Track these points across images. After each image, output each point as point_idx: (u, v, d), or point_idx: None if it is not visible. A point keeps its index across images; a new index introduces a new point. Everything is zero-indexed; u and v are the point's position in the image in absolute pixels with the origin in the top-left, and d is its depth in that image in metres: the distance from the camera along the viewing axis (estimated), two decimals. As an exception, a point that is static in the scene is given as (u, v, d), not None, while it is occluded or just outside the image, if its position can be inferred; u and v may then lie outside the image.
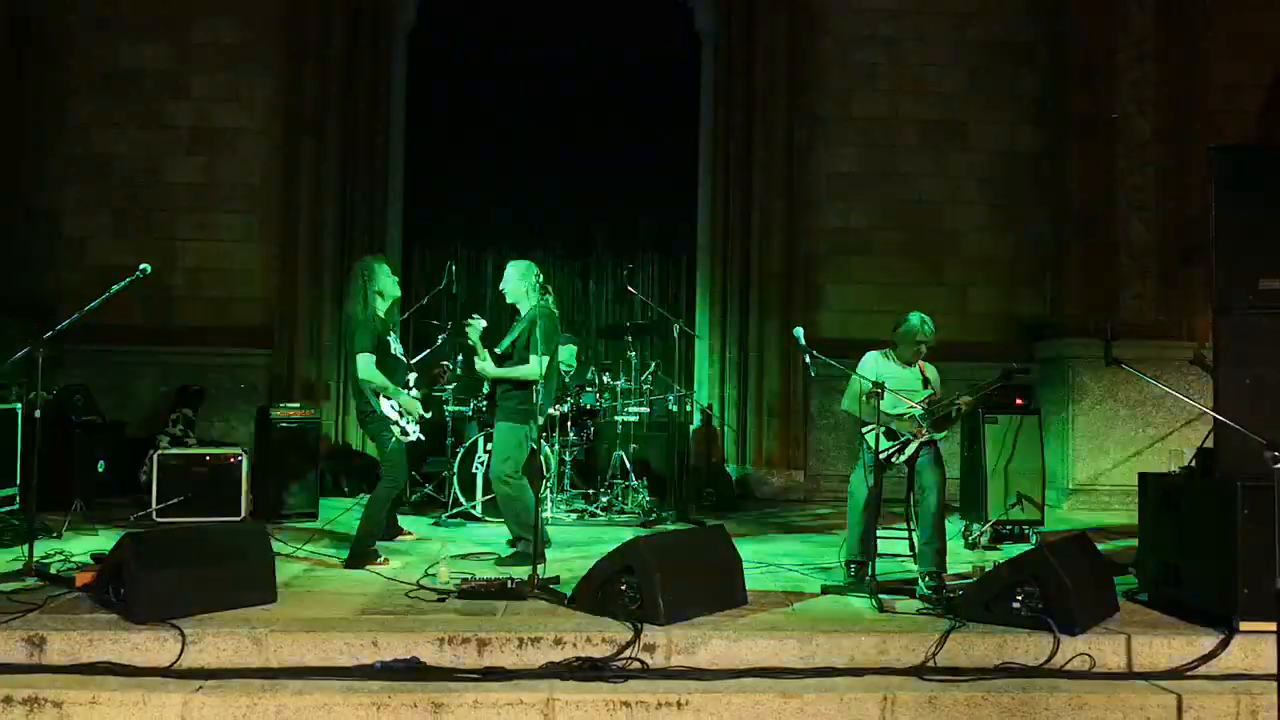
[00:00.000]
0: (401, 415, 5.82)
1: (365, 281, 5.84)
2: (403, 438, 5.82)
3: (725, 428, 9.33)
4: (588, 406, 7.78)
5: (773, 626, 4.59)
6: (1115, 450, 8.52)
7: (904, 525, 5.98)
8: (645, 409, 8.17)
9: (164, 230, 9.06)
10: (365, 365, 5.70)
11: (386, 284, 5.93)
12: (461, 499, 7.32)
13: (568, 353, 7.85)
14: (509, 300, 6.11)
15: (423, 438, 6.06)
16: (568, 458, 7.81)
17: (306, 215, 9.09)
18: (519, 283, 6.01)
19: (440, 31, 9.63)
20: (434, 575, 5.26)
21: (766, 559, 6.03)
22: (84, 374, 8.43)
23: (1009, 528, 6.82)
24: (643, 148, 9.62)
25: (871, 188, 9.41)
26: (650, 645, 4.35)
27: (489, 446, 6.90)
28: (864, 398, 5.33)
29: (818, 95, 9.38)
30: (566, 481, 7.84)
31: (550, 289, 6.12)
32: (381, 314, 5.87)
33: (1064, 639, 4.43)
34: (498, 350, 6.01)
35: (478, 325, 5.90)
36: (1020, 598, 4.59)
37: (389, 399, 5.78)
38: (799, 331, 5.60)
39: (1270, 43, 9.08)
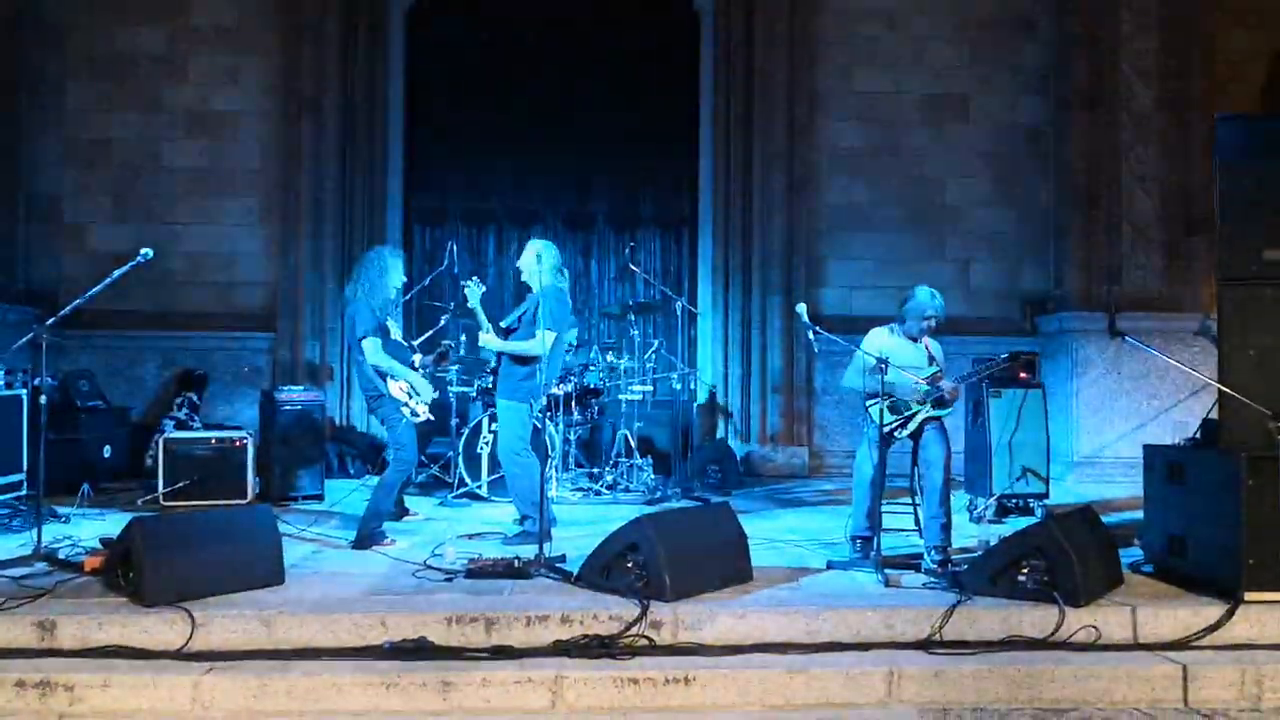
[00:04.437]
0: (411, 396, 5.82)
1: (379, 270, 5.83)
2: (413, 418, 5.83)
3: (729, 405, 9.34)
4: (591, 385, 7.78)
5: (779, 602, 4.61)
6: (1120, 423, 8.52)
7: (909, 500, 5.98)
8: (649, 387, 8.16)
9: (164, 215, 9.05)
10: (372, 349, 5.70)
11: (395, 279, 5.94)
12: (467, 479, 7.33)
13: (569, 334, 7.84)
14: (523, 278, 6.09)
15: (432, 418, 6.07)
16: (572, 437, 7.83)
17: (306, 197, 9.07)
18: (534, 261, 5.97)
19: (438, 10, 9.57)
20: (441, 555, 5.28)
21: (772, 535, 6.05)
22: (88, 360, 8.46)
23: (1014, 501, 6.84)
24: (644, 124, 9.57)
25: (873, 162, 9.37)
26: (657, 622, 4.37)
27: (494, 427, 6.92)
28: (867, 373, 5.33)
29: (818, 70, 9.33)
30: (571, 460, 7.86)
31: (567, 272, 6.11)
32: (382, 302, 5.87)
33: (1069, 611, 4.45)
34: (503, 324, 6.01)
35: (477, 289, 5.90)
36: (1025, 571, 4.61)
37: (397, 380, 5.78)
38: (801, 308, 5.60)
39: (1273, 11, 9.01)
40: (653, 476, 7.79)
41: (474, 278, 6.01)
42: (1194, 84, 8.73)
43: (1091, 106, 8.81)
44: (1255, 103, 8.95)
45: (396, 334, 6.03)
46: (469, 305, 5.96)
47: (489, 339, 5.95)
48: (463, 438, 7.40)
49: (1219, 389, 4.77)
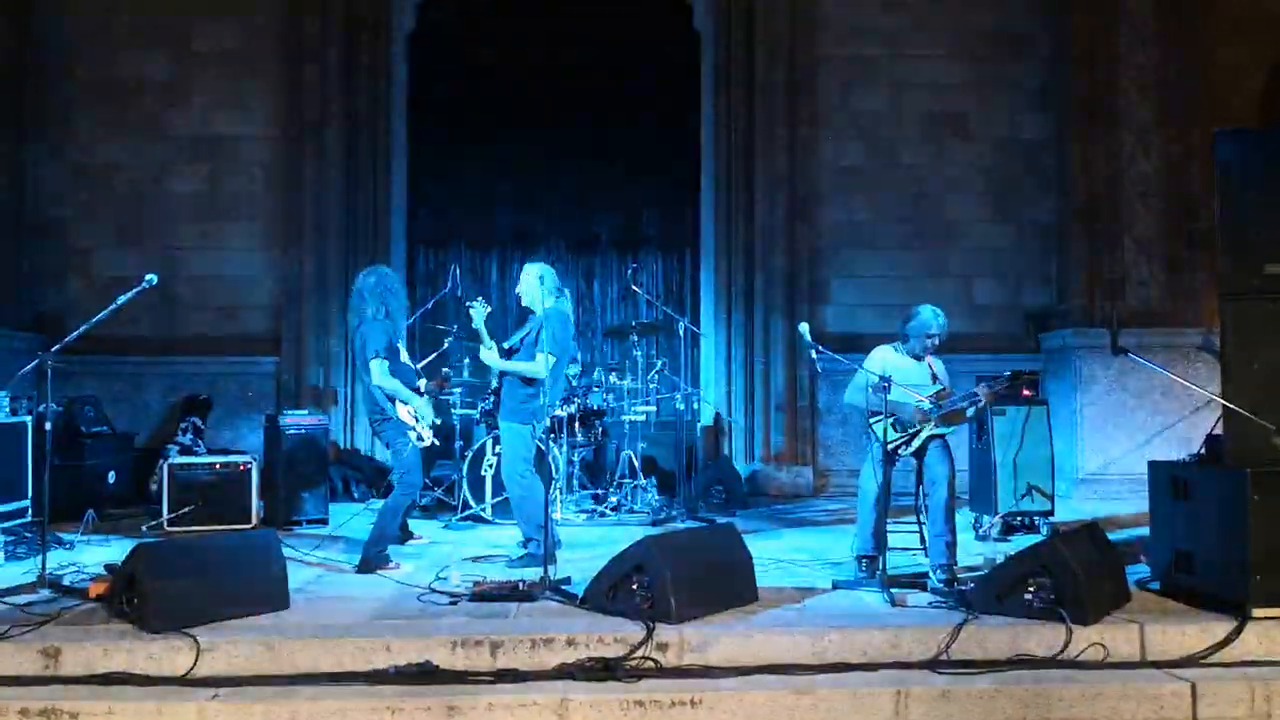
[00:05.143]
0: (417, 420, 5.82)
1: (379, 289, 5.84)
2: (418, 443, 5.83)
3: (733, 425, 9.33)
4: (595, 406, 7.78)
5: (785, 623, 4.59)
6: (1124, 439, 8.49)
7: (914, 519, 5.97)
8: (652, 408, 8.16)
9: (168, 240, 9.09)
10: (380, 370, 5.70)
11: (400, 293, 5.96)
12: (471, 502, 7.32)
13: (574, 355, 7.84)
14: (524, 303, 6.12)
15: (437, 442, 6.06)
16: (576, 458, 7.82)
17: (310, 221, 9.11)
18: (532, 284, 6.00)
19: (439, 33, 9.64)
20: (446, 578, 5.27)
21: (777, 555, 6.03)
22: (92, 385, 8.46)
23: (1019, 519, 6.81)
24: (645, 146, 9.62)
25: (874, 181, 9.39)
26: (663, 644, 4.35)
27: (497, 449, 6.92)
28: (870, 391, 5.33)
29: (819, 90, 9.37)
30: (575, 482, 7.85)
31: (567, 291, 6.13)
32: (397, 324, 5.89)
33: (1076, 629, 4.42)
34: (505, 345, 6.03)
35: (482, 309, 5.92)
36: (1032, 589, 4.59)
37: (404, 404, 5.78)
38: (804, 328, 5.59)
39: (1272, 23, 9.02)
40: (657, 497, 7.78)
41: (480, 298, 6.02)
42: (1193, 98, 8.74)
43: (1091, 122, 8.84)
44: (1255, 115, 8.95)
45: (405, 356, 6.04)
46: (474, 325, 5.98)
47: (490, 355, 5.97)
48: (467, 460, 7.39)
49: (1223, 404, 4.76)
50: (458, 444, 7.70)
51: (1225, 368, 4.84)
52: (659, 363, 8.32)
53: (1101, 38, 8.80)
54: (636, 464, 7.92)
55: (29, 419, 6.56)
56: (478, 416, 7.69)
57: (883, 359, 5.60)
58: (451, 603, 4.88)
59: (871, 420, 5.45)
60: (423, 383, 6.09)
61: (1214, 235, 4.92)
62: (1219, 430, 4.95)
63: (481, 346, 5.97)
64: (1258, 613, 4.49)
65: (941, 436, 5.53)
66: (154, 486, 7.27)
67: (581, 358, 8.09)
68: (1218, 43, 8.89)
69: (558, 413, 7.23)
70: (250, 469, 7.02)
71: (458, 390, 7.72)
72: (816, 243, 9.35)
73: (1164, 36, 8.75)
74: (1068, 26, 9.04)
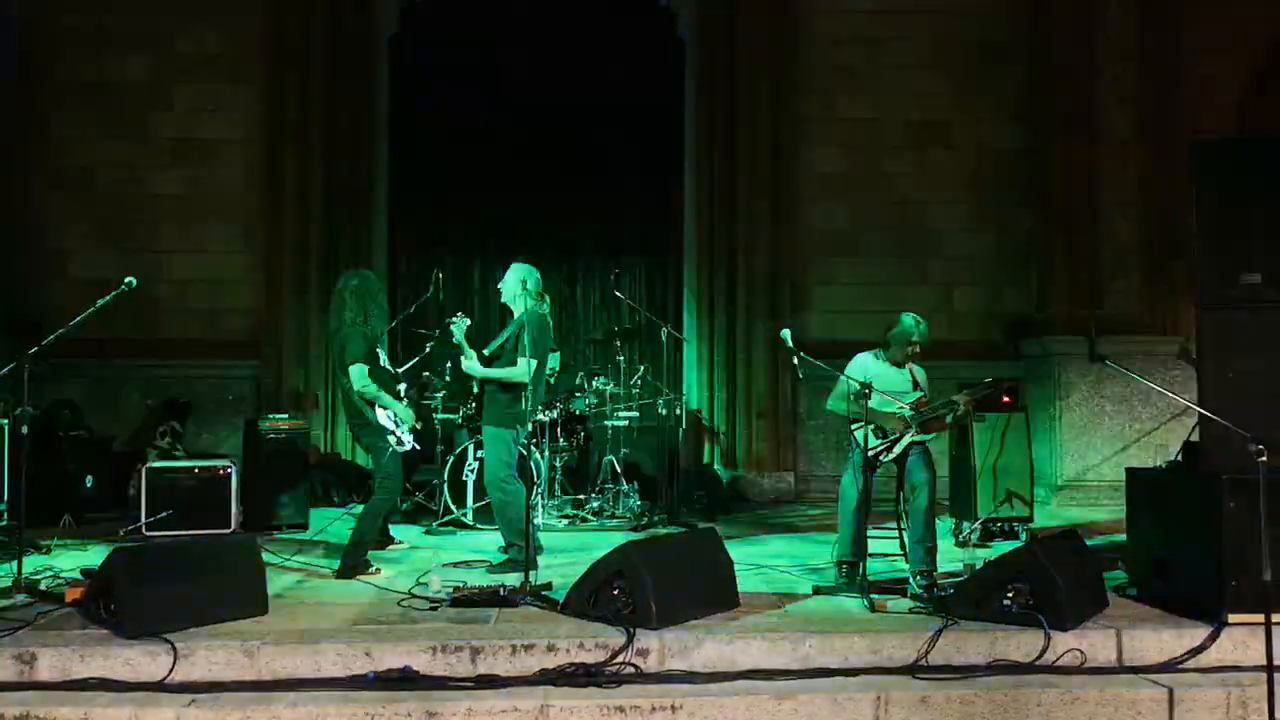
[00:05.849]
0: (397, 425, 5.81)
1: (361, 292, 5.82)
2: (398, 448, 5.81)
3: (715, 430, 9.34)
4: (577, 412, 7.78)
5: (765, 628, 4.60)
6: (1103, 446, 8.56)
7: (895, 525, 5.99)
8: (635, 413, 8.16)
9: (149, 242, 9.01)
10: (360, 375, 5.69)
11: (380, 298, 5.94)
12: (452, 507, 7.30)
13: (552, 359, 7.84)
14: (504, 299, 6.15)
15: (418, 447, 6.05)
16: (558, 463, 7.81)
17: (291, 224, 9.07)
18: (515, 284, 6.02)
19: (422, 38, 9.62)
20: (426, 584, 5.26)
21: (758, 561, 6.04)
22: (70, 389, 8.40)
23: (999, 525, 6.85)
24: (628, 152, 9.63)
25: (856, 188, 9.43)
26: (643, 650, 4.36)
27: (479, 454, 6.91)
28: (851, 398, 5.36)
29: (801, 97, 9.41)
30: (557, 487, 7.83)
31: (547, 297, 6.14)
32: (376, 328, 5.88)
33: (1055, 635, 4.45)
34: (486, 352, 6.03)
35: (462, 324, 5.93)
36: (1011, 595, 4.62)
37: (384, 408, 5.77)
38: (786, 333, 5.62)
39: (1248, 35, 9.14)
40: (639, 503, 7.77)
41: (459, 314, 6.03)
42: (1171, 109, 8.84)
43: (1070, 133, 8.91)
44: (1231, 127, 9.06)
45: (384, 360, 6.03)
46: (454, 340, 5.98)
47: (472, 365, 5.97)
48: (448, 465, 7.38)
49: (1199, 412, 4.81)
50: (439, 449, 7.68)
51: (1202, 376, 4.88)
52: (641, 368, 8.32)
53: (1080, 50, 8.88)
54: (618, 469, 7.91)
55: (5, 422, 6.51)
56: (459, 421, 7.67)
57: (864, 366, 5.63)
58: (432, 608, 4.87)
59: (853, 427, 5.47)
60: (402, 387, 6.08)
61: (1191, 245, 4.96)
62: (1195, 438, 4.99)
63: (463, 358, 5.98)
64: (1233, 618, 4.53)
65: (922, 443, 5.56)
66: (132, 491, 7.21)
67: (563, 362, 8.09)
68: (1196, 56, 8.99)
69: (540, 418, 7.24)
70: (229, 473, 6.98)
71: (439, 395, 7.70)
72: (798, 250, 9.37)
73: (1142, 49, 8.84)
74: (1048, 38, 9.12)
